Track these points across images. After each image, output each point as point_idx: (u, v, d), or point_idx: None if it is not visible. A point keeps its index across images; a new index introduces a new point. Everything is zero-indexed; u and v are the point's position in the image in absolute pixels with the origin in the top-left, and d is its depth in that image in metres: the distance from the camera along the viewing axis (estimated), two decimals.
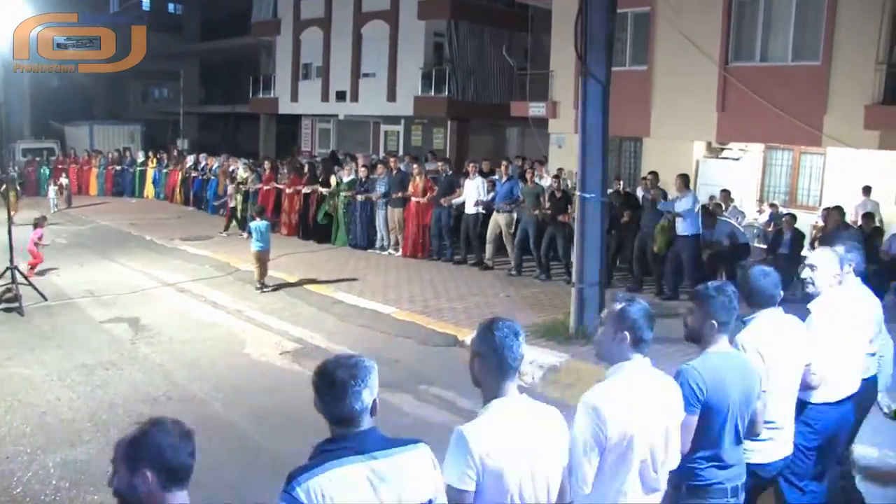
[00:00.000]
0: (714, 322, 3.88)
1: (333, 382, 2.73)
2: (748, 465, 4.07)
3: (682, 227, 12.28)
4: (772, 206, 16.29)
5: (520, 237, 14.20)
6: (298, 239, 18.23)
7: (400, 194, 16.12)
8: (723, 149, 18.72)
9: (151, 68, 39.85)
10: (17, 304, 11.79)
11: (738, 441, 3.92)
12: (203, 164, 23.63)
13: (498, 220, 14.63)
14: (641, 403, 3.35)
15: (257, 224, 13.46)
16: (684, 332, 4.07)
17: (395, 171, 16.71)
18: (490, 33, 26.54)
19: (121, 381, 8.87)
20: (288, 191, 18.80)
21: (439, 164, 18.16)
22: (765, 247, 13.86)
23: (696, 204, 12.67)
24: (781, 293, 4.37)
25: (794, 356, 4.40)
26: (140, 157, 27.60)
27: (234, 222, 19.59)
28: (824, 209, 14.02)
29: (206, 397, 8.40)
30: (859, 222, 13.61)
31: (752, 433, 4.05)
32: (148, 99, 43.14)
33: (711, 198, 15.63)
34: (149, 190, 26.69)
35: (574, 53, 9.57)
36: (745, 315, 4.36)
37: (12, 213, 15.67)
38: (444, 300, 12.15)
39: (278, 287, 13.47)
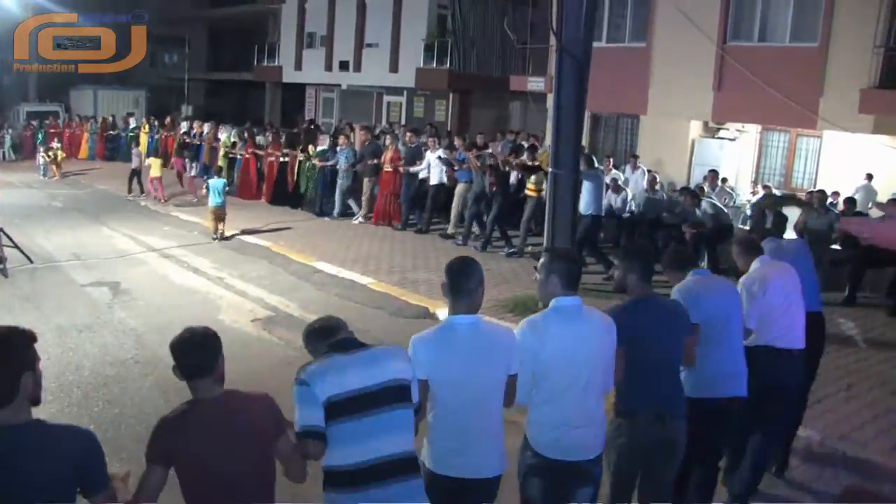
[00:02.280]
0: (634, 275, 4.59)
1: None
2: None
3: (581, 206, 11.90)
4: (765, 187, 16.18)
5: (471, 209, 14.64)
6: (272, 206, 18.60)
7: (374, 161, 16.62)
8: (719, 129, 18.60)
9: (160, 33, 39.87)
10: (1, 266, 11.90)
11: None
12: (194, 130, 23.62)
13: (460, 191, 15.14)
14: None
15: (214, 182, 15.09)
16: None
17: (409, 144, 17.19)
18: (493, 6, 26.33)
19: (92, 344, 8.99)
20: (269, 159, 19.13)
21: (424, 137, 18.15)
22: (748, 228, 13.79)
23: (598, 183, 12.46)
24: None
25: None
26: (132, 123, 27.64)
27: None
28: (808, 192, 13.96)
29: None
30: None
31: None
32: (157, 64, 42.98)
33: (705, 178, 15.59)
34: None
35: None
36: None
37: None
38: (423, 271, 12.17)
39: (232, 237, 14.51)
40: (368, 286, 11.58)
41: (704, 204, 13.33)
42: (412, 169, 15.94)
